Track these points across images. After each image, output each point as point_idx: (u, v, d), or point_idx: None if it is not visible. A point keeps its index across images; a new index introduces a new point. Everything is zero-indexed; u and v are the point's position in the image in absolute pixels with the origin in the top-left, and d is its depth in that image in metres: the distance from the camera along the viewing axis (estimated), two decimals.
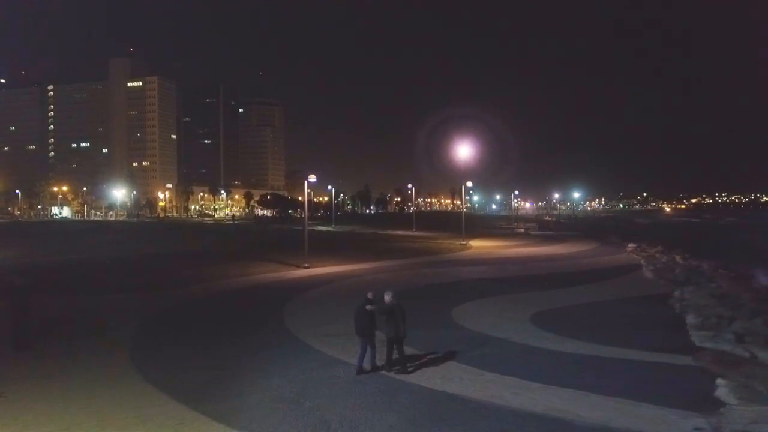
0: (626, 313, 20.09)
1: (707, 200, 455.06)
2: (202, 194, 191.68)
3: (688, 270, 31.84)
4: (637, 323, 18.25)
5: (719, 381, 11.79)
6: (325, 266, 33.40)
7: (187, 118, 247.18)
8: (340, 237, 61.70)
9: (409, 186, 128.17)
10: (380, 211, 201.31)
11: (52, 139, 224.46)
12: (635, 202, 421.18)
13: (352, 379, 12.14)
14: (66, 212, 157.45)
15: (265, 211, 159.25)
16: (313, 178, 34.94)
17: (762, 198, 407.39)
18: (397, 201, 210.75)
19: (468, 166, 68.36)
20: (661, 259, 38.77)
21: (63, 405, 10.63)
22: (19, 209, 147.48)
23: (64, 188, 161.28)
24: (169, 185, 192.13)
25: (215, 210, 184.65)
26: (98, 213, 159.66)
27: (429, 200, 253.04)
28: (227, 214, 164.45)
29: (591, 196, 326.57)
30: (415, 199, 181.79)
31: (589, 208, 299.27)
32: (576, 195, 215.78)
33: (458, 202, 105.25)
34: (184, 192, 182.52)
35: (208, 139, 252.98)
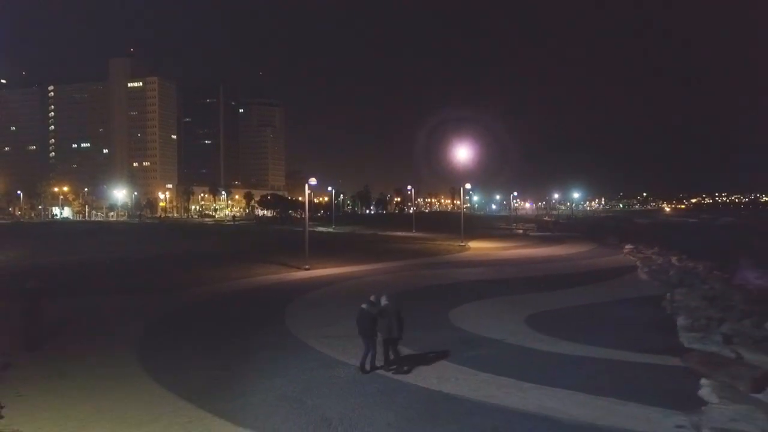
0: (619, 314, 20.56)
1: (707, 200, 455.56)
2: (202, 195, 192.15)
3: (682, 272, 32.33)
4: (629, 325, 18.72)
5: (703, 381, 12.31)
6: (325, 268, 33.87)
7: (187, 119, 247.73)
8: (341, 238, 62.19)
9: (409, 187, 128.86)
10: (380, 211, 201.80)
11: (53, 140, 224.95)
12: (635, 202, 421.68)
13: (351, 379, 12.66)
14: (67, 213, 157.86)
15: (265, 212, 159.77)
16: (313, 181, 35.43)
17: (762, 198, 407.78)
18: (397, 201, 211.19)
19: (467, 168, 68.96)
20: (657, 261, 39.26)
21: (77, 404, 11.15)
22: (20, 210, 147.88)
23: (65, 189, 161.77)
24: (170, 185, 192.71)
25: (215, 210, 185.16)
26: (99, 213, 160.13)
27: (429, 200, 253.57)
28: (228, 215, 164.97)
29: (591, 196, 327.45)
30: (415, 200, 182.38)
31: (588, 208, 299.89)
32: (576, 195, 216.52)
33: (458, 203, 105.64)
34: (184, 192, 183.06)
35: (208, 140, 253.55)
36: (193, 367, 13.90)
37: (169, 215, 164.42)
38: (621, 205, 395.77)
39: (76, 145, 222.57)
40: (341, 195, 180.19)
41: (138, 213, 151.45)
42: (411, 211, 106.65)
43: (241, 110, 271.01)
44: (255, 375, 13.04)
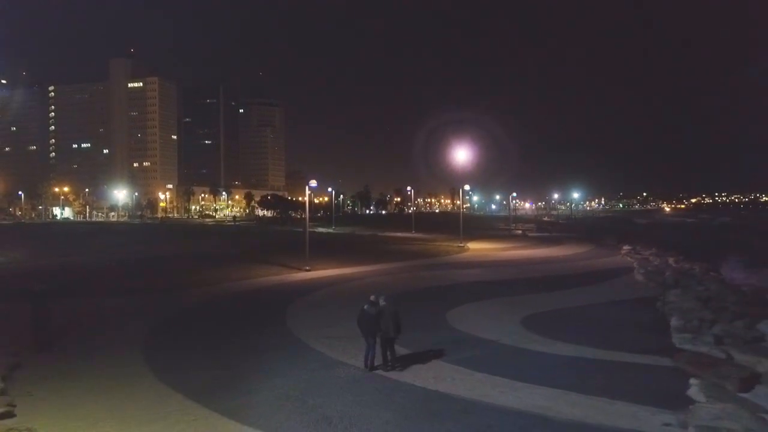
0: (614, 316, 20.93)
1: (707, 200, 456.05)
2: (203, 195, 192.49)
3: (678, 273, 32.70)
4: (623, 326, 19.09)
5: (692, 381, 12.70)
6: (325, 269, 34.26)
7: (187, 119, 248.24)
8: (341, 239, 62.57)
9: (408, 188, 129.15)
10: (380, 211, 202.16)
11: (53, 140, 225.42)
12: (635, 202, 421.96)
13: (351, 378, 13.08)
14: (67, 213, 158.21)
15: (265, 212, 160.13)
16: (314, 183, 35.84)
17: (762, 198, 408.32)
18: (397, 201, 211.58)
19: (466, 170, 69.40)
20: (653, 262, 39.62)
21: (86, 403, 11.56)
22: (20, 210, 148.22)
23: (66, 189, 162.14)
24: (170, 186, 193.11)
25: (215, 211, 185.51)
26: (100, 214, 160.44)
27: (429, 200, 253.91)
28: (228, 215, 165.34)
29: (591, 196, 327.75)
30: (415, 200, 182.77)
31: (588, 208, 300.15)
32: (575, 195, 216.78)
33: (458, 203, 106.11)
34: (184, 193, 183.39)
35: (208, 140, 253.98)
36: (197, 367, 14.30)
37: (169, 215, 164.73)
38: (621, 205, 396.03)
39: (76, 146, 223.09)
40: (341, 195, 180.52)
41: (139, 213, 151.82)
42: (411, 212, 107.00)
43: (241, 110, 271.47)
44: (257, 375, 13.44)
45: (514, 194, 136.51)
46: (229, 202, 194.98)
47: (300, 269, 33.74)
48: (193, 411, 11.12)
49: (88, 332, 18.17)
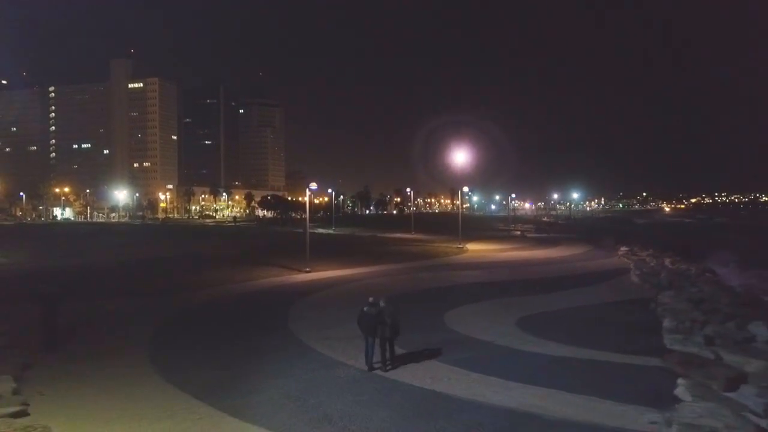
0: (608, 317, 21.35)
1: (707, 200, 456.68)
2: (203, 195, 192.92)
3: (673, 274, 33.13)
4: (616, 327, 19.50)
5: (680, 381, 13.14)
6: (326, 270, 34.72)
7: (187, 119, 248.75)
8: (341, 240, 63.02)
9: (408, 190, 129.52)
10: (380, 212, 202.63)
11: (53, 140, 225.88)
12: (635, 202, 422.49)
13: (351, 378, 13.56)
14: (68, 213, 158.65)
15: (265, 212, 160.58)
16: (314, 185, 36.36)
17: (762, 198, 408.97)
18: (397, 202, 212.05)
19: (465, 171, 69.85)
20: (650, 263, 40.05)
21: (96, 402, 12.03)
22: (21, 210, 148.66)
23: (66, 189, 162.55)
24: (170, 186, 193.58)
25: (216, 211, 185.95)
26: (101, 214, 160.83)
27: (429, 200, 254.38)
28: (229, 216, 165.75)
29: (591, 196, 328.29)
30: (415, 200, 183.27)
31: (588, 208, 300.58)
32: (575, 195, 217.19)
33: (458, 203, 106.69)
34: (185, 193, 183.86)
35: (208, 140, 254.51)
36: (201, 367, 14.77)
37: (169, 216, 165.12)
38: (620, 205, 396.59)
39: (76, 146, 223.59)
40: (341, 196, 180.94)
41: (139, 214, 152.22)
42: (410, 212, 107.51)
43: (242, 111, 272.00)
44: (260, 375, 13.91)
45: (513, 195, 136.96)
46: (230, 202, 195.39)
47: (301, 271, 34.20)
48: (199, 410, 11.59)
49: (94, 333, 18.61)
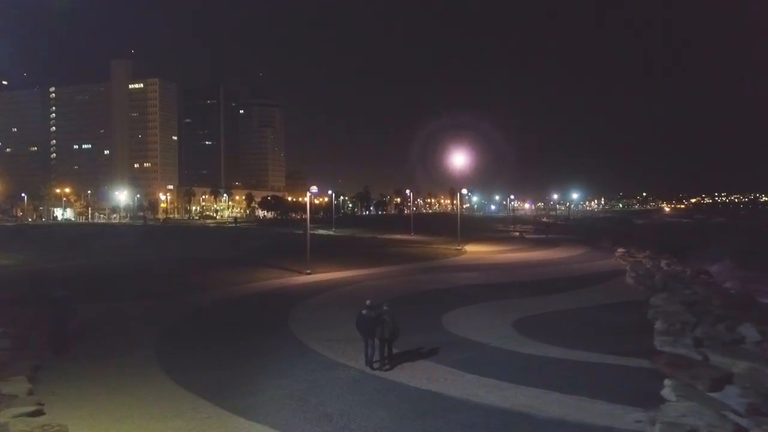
0: (601, 319, 21.85)
1: (707, 200, 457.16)
2: (204, 196, 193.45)
3: (667, 276, 33.64)
4: (609, 329, 20.04)
5: (666, 381, 13.69)
6: (326, 272, 35.22)
7: (188, 120, 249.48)
8: (340, 242, 63.52)
9: (408, 191, 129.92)
10: (380, 212, 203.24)
11: (54, 141, 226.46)
12: (635, 202, 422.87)
13: (351, 379, 14.12)
14: (69, 214, 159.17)
15: (265, 213, 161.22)
16: (314, 188, 37.00)
17: (761, 198, 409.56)
18: (396, 202, 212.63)
19: (465, 172, 70.31)
20: (645, 265, 40.58)
21: (107, 401, 12.57)
22: (22, 211, 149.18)
23: (67, 190, 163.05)
24: (170, 186, 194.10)
25: (216, 212, 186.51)
26: (102, 215, 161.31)
27: (429, 200, 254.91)
28: (229, 216, 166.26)
29: (591, 196, 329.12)
30: (415, 200, 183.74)
31: (588, 208, 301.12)
32: (575, 195, 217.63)
33: (457, 203, 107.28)
34: (185, 193, 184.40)
35: (208, 140, 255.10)
36: (206, 367, 15.31)
37: (170, 216, 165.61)
38: (620, 205, 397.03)
39: (77, 147, 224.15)
40: (341, 197, 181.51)
41: (140, 215, 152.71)
42: (410, 213, 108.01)
43: (242, 111, 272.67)
44: (263, 375, 14.45)
45: (512, 197, 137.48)
46: (230, 203, 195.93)
47: (301, 272, 34.71)
48: (206, 409, 12.13)
49: (101, 335, 19.14)
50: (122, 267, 38.91)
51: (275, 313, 22.91)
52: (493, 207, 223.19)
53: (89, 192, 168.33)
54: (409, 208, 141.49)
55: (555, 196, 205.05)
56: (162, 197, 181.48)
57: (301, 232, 52.98)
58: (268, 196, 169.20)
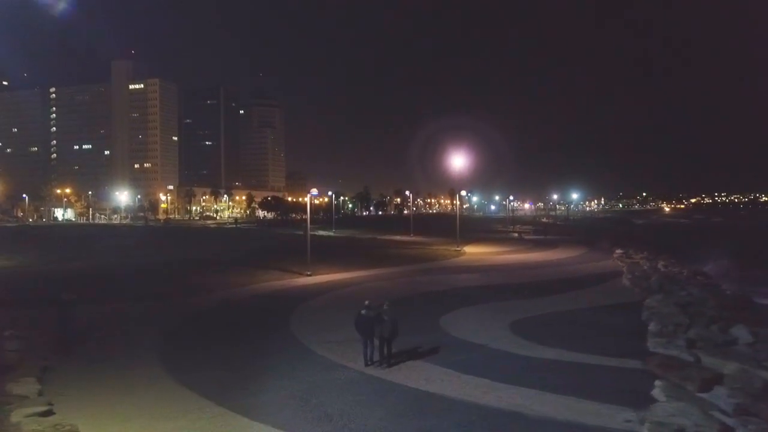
0: (596, 321, 22.23)
1: (707, 200, 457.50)
2: (205, 197, 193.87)
3: (664, 278, 33.99)
4: (603, 331, 20.40)
5: (657, 382, 14.09)
6: (326, 274, 35.59)
7: (188, 120, 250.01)
8: (340, 243, 63.85)
9: (407, 192, 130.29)
10: (380, 213, 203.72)
11: (54, 141, 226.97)
12: (635, 202, 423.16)
13: (350, 380, 14.53)
14: (70, 215, 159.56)
15: (266, 213, 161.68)
16: (314, 191, 37.34)
17: (761, 198, 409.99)
18: (396, 203, 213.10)
19: (464, 173, 70.65)
20: (643, 266, 40.92)
21: (115, 401, 12.97)
22: (23, 212, 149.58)
23: (67, 190, 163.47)
24: (171, 187, 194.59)
25: (216, 212, 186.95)
26: (102, 216, 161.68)
27: (429, 201, 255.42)
28: (230, 217, 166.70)
29: (591, 197, 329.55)
30: (415, 200, 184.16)
31: (587, 209, 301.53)
32: (574, 196, 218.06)
33: (457, 203, 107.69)
34: (185, 194, 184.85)
35: (209, 141, 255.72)
36: (209, 368, 15.71)
37: (171, 217, 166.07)
38: (620, 205, 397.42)
39: (77, 147, 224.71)
40: (342, 197, 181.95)
41: (141, 215, 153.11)
42: (410, 213, 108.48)
43: (242, 111, 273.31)
44: (265, 376, 14.84)
45: (511, 197, 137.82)
46: (230, 203, 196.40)
47: (302, 274, 35.08)
48: (209, 409, 12.53)
49: (106, 337, 19.51)
50: (124, 268, 39.28)
51: (276, 314, 23.29)
52: (492, 207, 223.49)
53: (90, 193, 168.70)
54: (408, 208, 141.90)
55: (555, 197, 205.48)
56: (162, 198, 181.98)
57: (302, 233, 53.41)
58: (268, 196, 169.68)
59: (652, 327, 20.69)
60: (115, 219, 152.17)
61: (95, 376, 14.92)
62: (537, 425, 11.57)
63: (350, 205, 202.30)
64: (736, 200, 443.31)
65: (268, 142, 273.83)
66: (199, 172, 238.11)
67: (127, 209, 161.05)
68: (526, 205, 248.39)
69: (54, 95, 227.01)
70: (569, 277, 35.21)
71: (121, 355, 17.11)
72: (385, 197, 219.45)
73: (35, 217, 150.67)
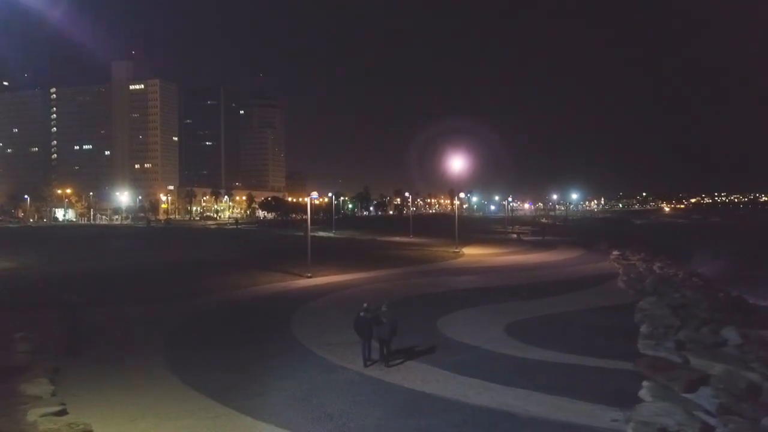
0: (591, 323, 22.71)
1: (707, 200, 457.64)
2: (206, 197, 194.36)
3: (658, 280, 34.49)
4: (596, 333, 20.87)
5: (645, 383, 14.63)
6: (326, 275, 36.10)
7: (188, 120, 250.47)
8: (340, 244, 64.35)
9: (407, 194, 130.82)
10: (379, 213, 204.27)
11: (55, 141, 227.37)
12: (634, 202, 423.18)
13: (350, 381, 15.10)
14: (71, 215, 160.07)
15: (266, 214, 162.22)
16: (315, 194, 37.80)
17: (761, 198, 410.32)
18: (396, 203, 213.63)
19: (464, 174, 71.21)
20: (639, 268, 41.43)
21: (123, 402, 13.52)
22: (24, 212, 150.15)
23: (68, 191, 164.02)
24: (171, 187, 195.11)
25: (217, 213, 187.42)
26: (103, 216, 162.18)
27: (428, 201, 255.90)
28: (230, 217, 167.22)
29: (590, 196, 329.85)
30: (414, 201, 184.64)
31: (587, 209, 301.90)
32: (574, 196, 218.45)
33: (456, 203, 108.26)
34: (186, 194, 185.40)
35: (209, 141, 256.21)
36: (213, 369, 16.26)
37: (171, 217, 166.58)
38: (620, 205, 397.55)
39: (78, 147, 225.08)
40: (342, 197, 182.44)
41: (142, 216, 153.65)
42: (409, 214, 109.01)
43: (242, 112, 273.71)
44: (267, 377, 15.40)
45: (510, 198, 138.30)
46: (230, 203, 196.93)
47: (302, 276, 35.57)
48: (214, 408, 13.09)
49: (112, 339, 20.01)
50: (126, 270, 39.78)
51: (278, 316, 23.81)
52: (492, 207, 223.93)
53: (91, 193, 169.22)
54: (408, 209, 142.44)
55: (554, 197, 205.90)
56: (163, 198, 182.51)
57: (302, 233, 53.92)
58: (268, 197, 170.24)
59: (643, 329, 21.20)
60: (116, 219, 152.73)
61: (104, 377, 15.45)
62: (528, 424, 12.13)
63: (350, 206, 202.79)
64: (736, 200, 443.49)
65: (268, 143, 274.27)
66: (200, 173, 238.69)
67: (128, 210, 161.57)
68: (526, 206, 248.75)
69: (55, 96, 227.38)
70: (566, 279, 35.74)
71: (127, 356, 17.63)
72: (385, 198, 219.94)
73: (36, 218, 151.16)
